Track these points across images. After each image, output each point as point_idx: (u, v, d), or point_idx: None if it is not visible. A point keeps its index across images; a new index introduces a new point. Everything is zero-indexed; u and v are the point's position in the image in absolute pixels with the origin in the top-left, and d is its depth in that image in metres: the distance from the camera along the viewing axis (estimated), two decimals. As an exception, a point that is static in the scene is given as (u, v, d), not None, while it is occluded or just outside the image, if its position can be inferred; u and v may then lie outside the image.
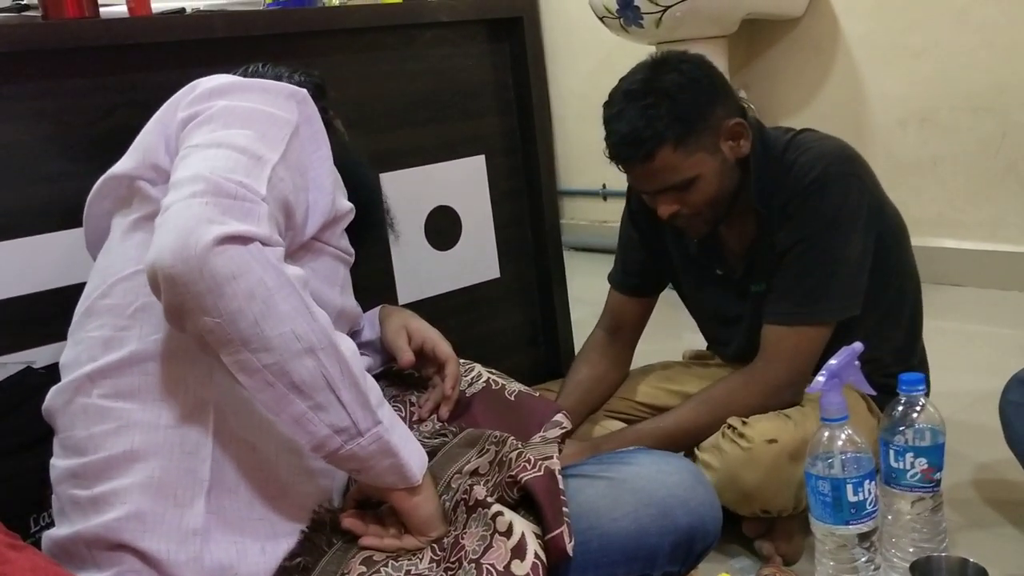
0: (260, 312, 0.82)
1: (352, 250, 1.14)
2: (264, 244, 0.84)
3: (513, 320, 1.95)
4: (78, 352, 0.99)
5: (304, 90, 1.05)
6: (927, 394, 1.30)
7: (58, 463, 0.97)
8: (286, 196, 0.94)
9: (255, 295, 0.82)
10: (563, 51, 3.97)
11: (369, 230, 1.24)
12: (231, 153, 0.91)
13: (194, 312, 0.82)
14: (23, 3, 1.48)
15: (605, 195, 3.91)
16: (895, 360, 1.51)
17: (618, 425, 1.59)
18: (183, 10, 1.54)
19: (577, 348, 1.79)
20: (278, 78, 1.17)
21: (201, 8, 1.61)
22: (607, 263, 1.72)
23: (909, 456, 1.22)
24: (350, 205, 1.09)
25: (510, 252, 1.91)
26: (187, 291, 0.81)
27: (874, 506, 1.17)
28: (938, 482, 1.23)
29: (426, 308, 1.76)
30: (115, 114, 1.37)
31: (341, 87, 1.57)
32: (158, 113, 1.04)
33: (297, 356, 0.84)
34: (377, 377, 1.28)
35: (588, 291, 2.16)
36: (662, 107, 1.35)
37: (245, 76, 1.16)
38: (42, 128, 1.33)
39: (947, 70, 2.75)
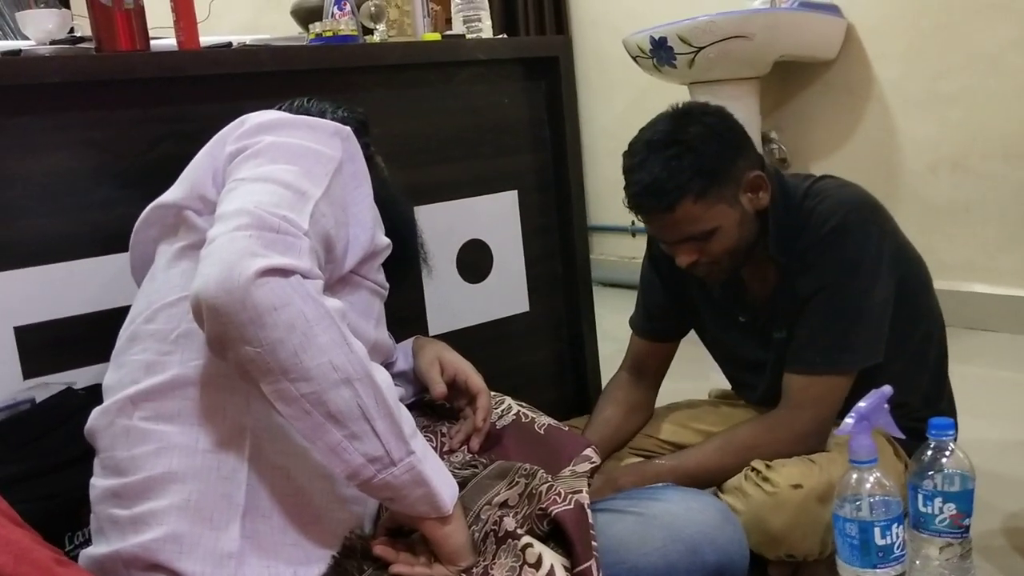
0: (300, 343, 0.85)
1: (387, 284, 1.16)
2: (305, 277, 0.87)
3: (541, 354, 1.97)
4: (121, 375, 1.01)
5: (348, 128, 1.08)
6: (955, 439, 1.30)
7: (98, 483, 1.00)
8: (327, 231, 0.97)
9: (295, 326, 0.84)
10: (596, 89, 4.02)
11: (404, 265, 1.26)
12: (276, 188, 0.94)
13: (236, 341, 0.84)
14: (78, 35, 1.54)
15: (634, 232, 3.93)
16: (923, 404, 1.51)
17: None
18: (230, 44, 1.58)
19: (604, 384, 1.80)
20: (322, 113, 1.21)
21: (248, 43, 1.65)
22: (635, 299, 1.73)
23: (938, 501, 1.21)
24: (388, 241, 1.11)
25: (540, 286, 1.93)
26: (230, 321, 0.83)
27: (902, 550, 1.16)
28: (967, 528, 1.22)
29: (456, 340, 1.77)
30: (162, 144, 1.41)
31: (380, 121, 1.61)
32: (207, 146, 1.07)
33: (334, 386, 0.86)
34: (409, 407, 1.30)
35: (616, 327, 2.16)
36: (685, 159, 1.35)
37: (291, 111, 1.20)
38: (92, 156, 1.37)
39: (980, 117, 2.75)
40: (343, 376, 0.86)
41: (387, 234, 1.13)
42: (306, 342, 0.85)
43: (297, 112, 1.22)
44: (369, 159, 1.14)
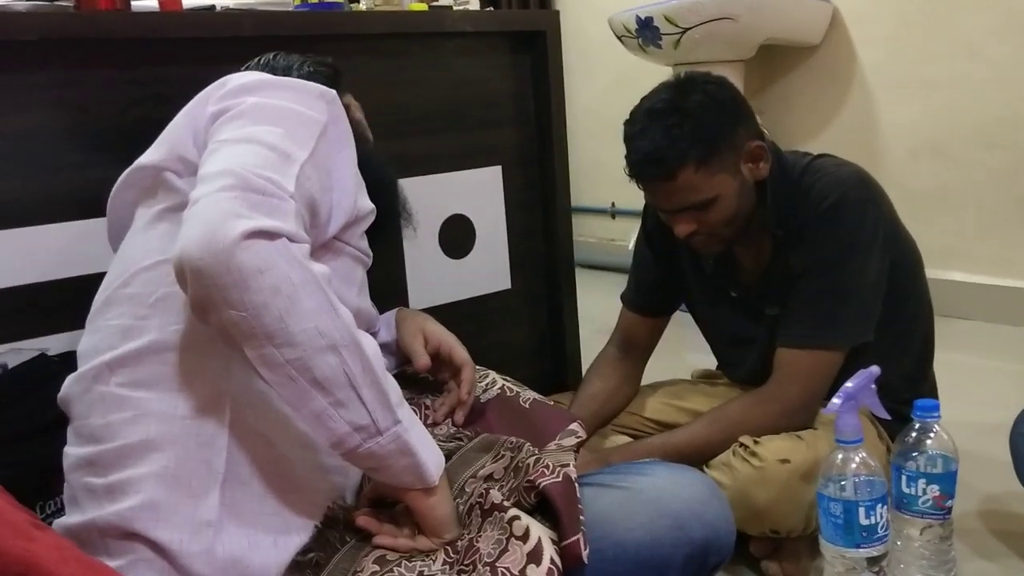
0: (285, 307, 0.82)
1: (370, 252, 1.14)
2: (291, 240, 0.85)
3: (522, 331, 1.95)
4: (96, 340, 0.98)
5: (333, 91, 1.05)
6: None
7: (72, 451, 0.97)
8: (312, 194, 0.95)
9: (280, 290, 0.82)
10: (578, 68, 3.99)
11: (386, 226, 1.24)
12: (261, 149, 0.91)
13: (220, 305, 0.82)
14: (56, -8, 1.49)
15: (614, 213, 3.92)
16: (905, 386, 1.51)
17: (626, 440, 1.59)
18: (213, 7, 1.55)
19: (583, 363, 1.79)
20: (288, 68, 1.20)
21: (231, 6, 1.61)
22: (615, 280, 1.72)
23: (921, 482, 1.21)
24: (371, 206, 1.09)
25: (522, 264, 1.92)
26: (213, 284, 0.81)
27: (885, 530, 1.17)
28: (949, 510, 1.22)
29: (436, 315, 1.73)
30: (140, 106, 1.38)
31: (364, 91, 1.57)
32: (187, 106, 1.04)
33: (320, 352, 0.84)
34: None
35: (595, 308, 2.16)
36: (686, 127, 1.35)
37: (257, 68, 1.19)
38: (68, 117, 1.33)
39: (961, 103, 2.76)
40: (329, 342, 0.84)
41: (368, 193, 1.10)
42: (292, 306, 0.82)
43: (263, 68, 1.20)
44: (345, 107, 1.11)
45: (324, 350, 0.84)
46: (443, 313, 1.80)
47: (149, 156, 1.03)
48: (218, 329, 0.85)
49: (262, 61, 1.24)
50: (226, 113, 0.98)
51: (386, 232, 1.24)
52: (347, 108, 1.22)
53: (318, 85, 1.05)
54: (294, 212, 0.88)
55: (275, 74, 1.20)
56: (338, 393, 0.86)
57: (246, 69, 1.23)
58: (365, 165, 1.13)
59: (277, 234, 0.83)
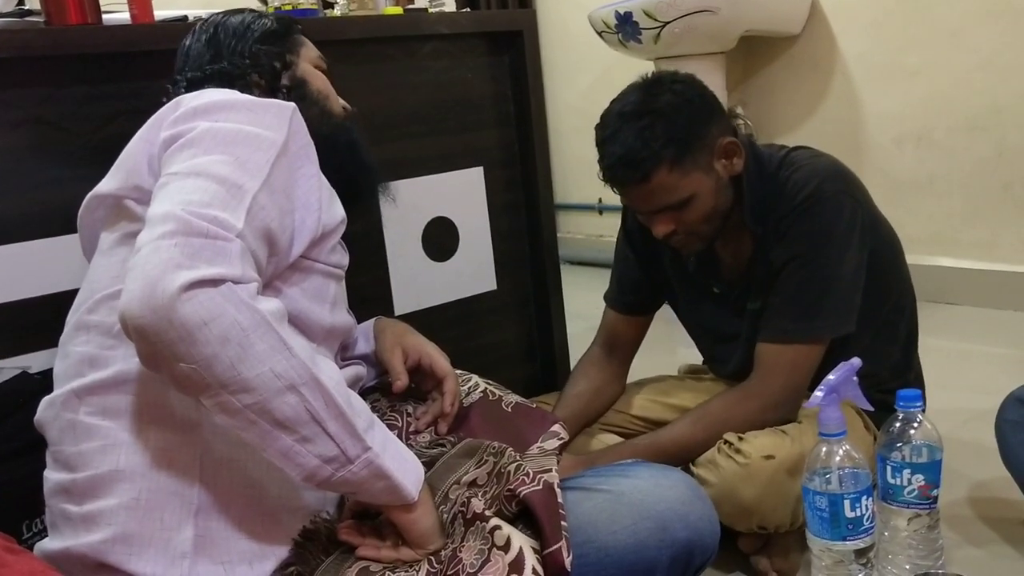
0: (236, 355, 0.80)
1: (344, 263, 1.12)
2: (236, 283, 0.82)
3: (509, 333, 1.95)
4: (67, 365, 0.98)
5: (292, 104, 1.03)
6: (923, 411, 1.31)
7: (50, 476, 0.97)
8: (267, 225, 0.91)
9: (229, 338, 0.79)
10: (561, 66, 3.99)
11: (359, 199, 1.21)
12: (209, 184, 0.88)
13: (168, 360, 0.80)
14: (26, 8, 1.49)
15: (601, 209, 3.92)
16: (892, 376, 1.51)
17: (614, 438, 1.59)
18: (185, 18, 1.53)
19: (572, 362, 1.79)
20: (241, 30, 1.19)
21: (203, 16, 1.60)
22: (603, 277, 1.72)
23: (906, 472, 1.22)
24: (341, 215, 1.07)
25: (507, 264, 1.92)
26: (158, 340, 0.79)
27: (871, 522, 1.17)
28: (935, 499, 1.23)
29: (422, 319, 1.76)
30: (116, 121, 1.37)
31: (342, 97, 1.57)
32: (142, 130, 1.01)
33: (278, 394, 0.82)
34: (371, 389, 1.28)
35: (583, 305, 2.15)
36: (657, 128, 1.35)
37: (210, 29, 1.20)
38: (43, 134, 1.33)
39: (943, 90, 2.77)
40: (286, 383, 0.82)
41: (332, 160, 1.08)
42: (243, 353, 0.80)
43: (215, 30, 1.20)
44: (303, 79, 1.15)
45: (282, 391, 0.82)
46: (429, 317, 1.80)
47: (106, 184, 1.01)
48: (170, 381, 0.83)
49: (212, 21, 1.22)
50: (179, 140, 0.95)
51: (365, 204, 1.22)
52: (303, 82, 1.20)
53: (275, 101, 1.02)
54: (239, 252, 0.84)
55: (225, 39, 1.19)
56: (302, 430, 0.84)
57: (194, 36, 1.22)
58: (334, 141, 1.11)
59: (220, 280, 0.80)
